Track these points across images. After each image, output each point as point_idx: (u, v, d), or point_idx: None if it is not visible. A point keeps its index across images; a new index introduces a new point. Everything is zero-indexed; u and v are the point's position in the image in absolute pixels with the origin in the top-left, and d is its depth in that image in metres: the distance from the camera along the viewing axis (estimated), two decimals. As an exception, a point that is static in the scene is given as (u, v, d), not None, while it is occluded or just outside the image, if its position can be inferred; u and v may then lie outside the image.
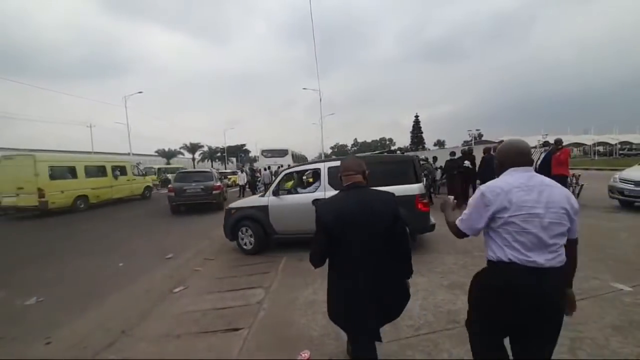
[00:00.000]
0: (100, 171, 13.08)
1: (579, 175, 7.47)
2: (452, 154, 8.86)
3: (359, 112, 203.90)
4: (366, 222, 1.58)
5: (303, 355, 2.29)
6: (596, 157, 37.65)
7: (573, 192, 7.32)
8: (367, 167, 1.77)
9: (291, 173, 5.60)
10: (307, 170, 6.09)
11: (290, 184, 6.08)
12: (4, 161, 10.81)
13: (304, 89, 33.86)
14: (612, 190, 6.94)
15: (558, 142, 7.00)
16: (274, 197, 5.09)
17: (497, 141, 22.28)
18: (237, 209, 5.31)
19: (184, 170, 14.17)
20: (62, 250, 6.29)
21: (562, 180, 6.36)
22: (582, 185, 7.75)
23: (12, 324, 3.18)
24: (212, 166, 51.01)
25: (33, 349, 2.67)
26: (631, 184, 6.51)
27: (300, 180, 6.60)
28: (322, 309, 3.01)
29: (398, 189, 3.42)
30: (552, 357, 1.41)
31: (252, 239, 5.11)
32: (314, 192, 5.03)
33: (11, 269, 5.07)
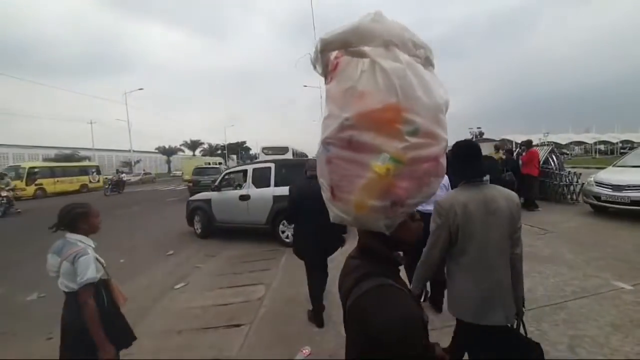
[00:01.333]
0: None
1: (580, 174, 7.44)
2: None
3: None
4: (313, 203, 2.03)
5: (304, 351, 2.30)
6: (597, 156, 37.59)
7: (573, 190, 7.31)
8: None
9: (231, 172, 6.69)
10: (243, 170, 6.38)
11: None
12: None
13: (305, 86, 33.75)
14: (586, 194, 6.27)
15: (528, 143, 7.58)
16: (215, 192, 6.11)
17: (498, 139, 22.25)
18: (193, 200, 6.57)
19: (200, 166, 16.63)
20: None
21: (530, 178, 6.98)
22: (584, 183, 7.73)
23: (14, 319, 3.20)
24: (210, 164, 50.94)
25: (35, 344, 2.68)
26: (608, 189, 5.77)
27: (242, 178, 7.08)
28: (323, 305, 3.03)
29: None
30: (553, 356, 1.42)
31: (200, 225, 6.30)
32: (241, 189, 5.92)
33: (6, 266, 5.09)
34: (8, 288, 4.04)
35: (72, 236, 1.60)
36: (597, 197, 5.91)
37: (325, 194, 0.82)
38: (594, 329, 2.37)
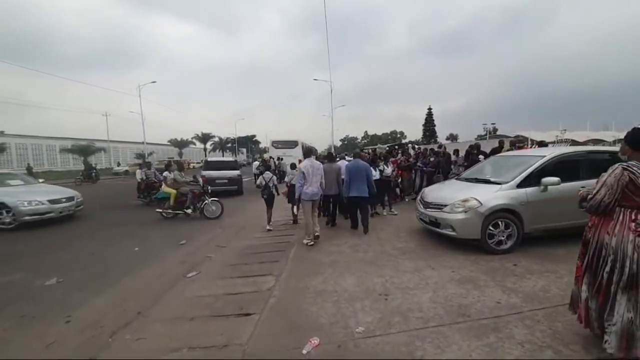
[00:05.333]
0: None
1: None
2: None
3: (370, 104, 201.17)
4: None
5: (313, 342, 2.32)
6: (616, 155, 36.11)
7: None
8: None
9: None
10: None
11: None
12: None
13: (315, 79, 33.65)
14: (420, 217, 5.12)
15: (514, 142, 7.65)
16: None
17: (512, 136, 21.70)
18: None
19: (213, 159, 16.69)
20: (78, 235, 6.53)
21: None
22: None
23: (34, 302, 3.33)
24: (222, 156, 51.52)
25: (54, 327, 2.79)
26: (421, 205, 5.02)
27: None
28: (332, 297, 3.06)
29: None
30: (565, 355, 1.38)
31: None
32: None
33: (29, 253, 5.30)
34: (28, 273, 4.20)
35: None
36: (427, 220, 4.84)
37: None
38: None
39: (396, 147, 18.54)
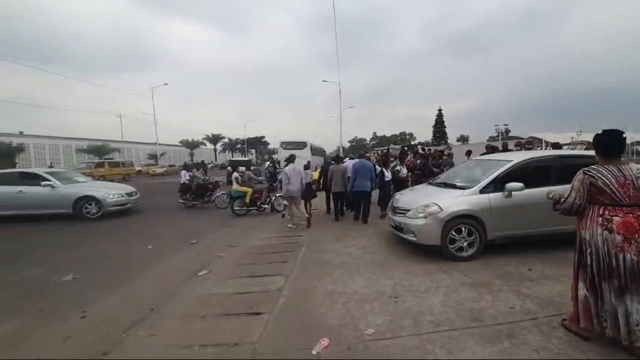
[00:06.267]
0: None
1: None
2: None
3: (379, 105, 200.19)
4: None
5: (322, 342, 2.32)
6: (634, 157, 35.04)
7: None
8: None
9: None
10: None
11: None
12: None
13: (324, 81, 33.69)
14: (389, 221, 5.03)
15: (521, 143, 8.07)
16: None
17: (526, 137, 21.22)
18: None
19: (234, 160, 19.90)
20: (93, 232, 6.71)
21: None
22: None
23: (51, 297, 3.43)
24: (232, 157, 52.11)
25: (70, 322, 2.87)
26: (390, 210, 4.87)
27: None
28: (341, 299, 3.05)
29: None
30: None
31: None
32: None
33: (48, 248, 5.47)
34: (46, 269, 4.33)
35: None
36: (396, 227, 4.67)
37: None
38: None
39: (405, 148, 18.38)
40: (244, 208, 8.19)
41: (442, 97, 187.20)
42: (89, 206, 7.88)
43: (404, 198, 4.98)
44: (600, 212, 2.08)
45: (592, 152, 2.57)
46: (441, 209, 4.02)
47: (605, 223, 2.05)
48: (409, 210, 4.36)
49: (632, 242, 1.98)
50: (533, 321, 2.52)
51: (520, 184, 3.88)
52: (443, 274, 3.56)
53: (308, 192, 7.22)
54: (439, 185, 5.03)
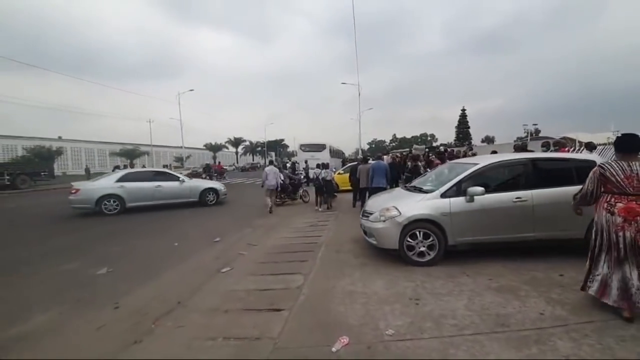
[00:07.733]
0: None
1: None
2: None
3: (398, 107, 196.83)
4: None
5: (342, 340, 2.33)
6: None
7: None
8: None
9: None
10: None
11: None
12: None
13: (343, 83, 33.72)
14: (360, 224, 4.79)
15: (546, 143, 7.87)
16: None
17: (557, 138, 20.08)
18: None
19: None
20: (124, 230, 7.10)
21: None
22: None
23: (87, 289, 3.68)
24: (253, 159, 53.30)
25: (104, 312, 3.06)
26: (365, 217, 4.50)
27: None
28: (361, 299, 3.05)
29: None
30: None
31: None
32: None
33: (84, 245, 5.86)
34: (82, 262, 4.64)
35: None
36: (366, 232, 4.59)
37: None
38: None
39: (427, 149, 18.03)
40: (278, 200, 9.82)
41: (466, 97, 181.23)
42: (209, 195, 10.31)
43: (372, 201, 5.01)
44: (608, 199, 2.51)
45: (572, 155, 3.07)
46: (400, 213, 3.95)
47: (609, 208, 2.48)
48: (372, 214, 4.33)
49: (632, 223, 2.37)
50: (563, 327, 2.40)
51: (480, 189, 3.74)
52: (467, 278, 3.47)
53: (329, 188, 9.09)
54: (409, 188, 4.99)
